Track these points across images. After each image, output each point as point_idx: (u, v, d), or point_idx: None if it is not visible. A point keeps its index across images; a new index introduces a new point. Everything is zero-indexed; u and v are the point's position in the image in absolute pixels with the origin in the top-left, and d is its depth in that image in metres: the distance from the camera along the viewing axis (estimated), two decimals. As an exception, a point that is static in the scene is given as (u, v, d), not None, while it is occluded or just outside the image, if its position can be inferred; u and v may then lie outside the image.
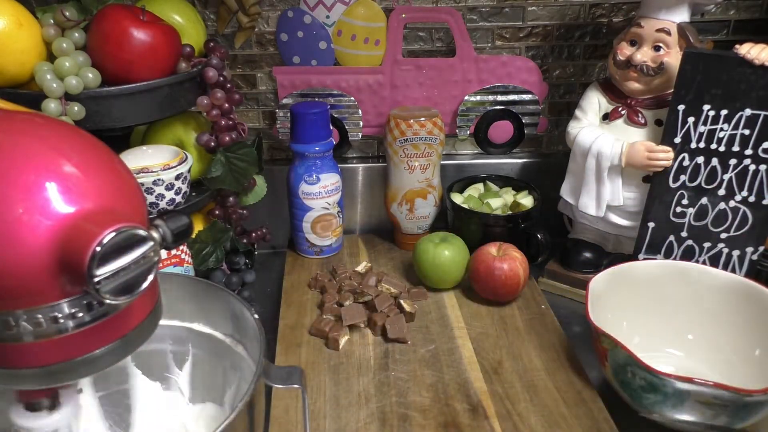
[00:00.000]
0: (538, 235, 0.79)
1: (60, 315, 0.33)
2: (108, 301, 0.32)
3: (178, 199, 0.69)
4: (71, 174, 0.34)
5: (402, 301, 0.75)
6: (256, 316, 0.47)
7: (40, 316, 0.33)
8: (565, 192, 0.82)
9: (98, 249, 0.31)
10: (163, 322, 0.53)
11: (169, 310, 0.54)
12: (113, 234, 0.31)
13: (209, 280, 0.73)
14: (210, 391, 0.54)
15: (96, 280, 0.31)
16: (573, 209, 0.82)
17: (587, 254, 0.83)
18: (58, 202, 0.32)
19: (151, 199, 0.67)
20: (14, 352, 0.34)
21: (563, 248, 0.85)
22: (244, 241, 0.80)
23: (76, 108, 0.59)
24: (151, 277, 0.34)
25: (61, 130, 0.36)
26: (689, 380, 0.54)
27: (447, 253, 0.78)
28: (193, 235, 0.72)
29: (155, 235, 0.35)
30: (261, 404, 0.45)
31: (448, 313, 0.77)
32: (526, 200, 0.84)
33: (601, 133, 0.76)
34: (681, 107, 0.70)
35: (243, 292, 0.73)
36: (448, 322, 0.75)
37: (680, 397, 0.56)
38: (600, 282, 0.68)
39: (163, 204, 0.68)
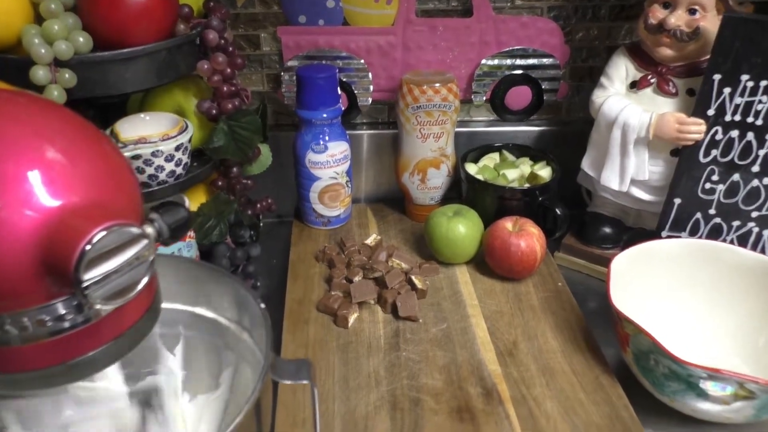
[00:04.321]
0: (556, 210, 0.76)
1: (47, 318, 0.30)
2: (99, 307, 0.29)
3: (179, 170, 0.65)
4: (56, 162, 0.30)
5: (413, 277, 0.72)
6: (263, 305, 0.44)
7: (26, 319, 0.30)
8: (587, 164, 0.78)
9: (86, 250, 0.27)
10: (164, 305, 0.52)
11: (169, 293, 0.51)
12: (103, 233, 0.28)
13: (213, 254, 0.71)
14: (208, 378, 0.52)
15: (84, 285, 0.28)
16: (594, 182, 0.78)
17: (606, 229, 0.79)
18: (42, 195, 0.29)
19: (150, 171, 0.63)
20: (1, 356, 0.31)
21: (581, 222, 0.81)
22: (249, 212, 0.77)
23: (66, 75, 0.55)
24: (146, 279, 0.31)
25: (46, 111, 0.32)
26: (716, 371, 0.52)
27: (461, 228, 0.74)
28: (195, 208, 0.69)
29: (150, 231, 0.31)
30: (268, 400, 0.43)
31: (461, 289, 0.74)
32: (544, 172, 0.80)
33: (628, 103, 0.71)
34: (717, 77, 0.65)
35: (248, 267, 0.70)
36: (461, 299, 0.73)
37: (706, 388, 0.53)
38: (622, 262, 0.65)
39: (162, 176, 0.64)
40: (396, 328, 0.68)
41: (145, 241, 0.30)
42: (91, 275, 0.28)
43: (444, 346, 0.66)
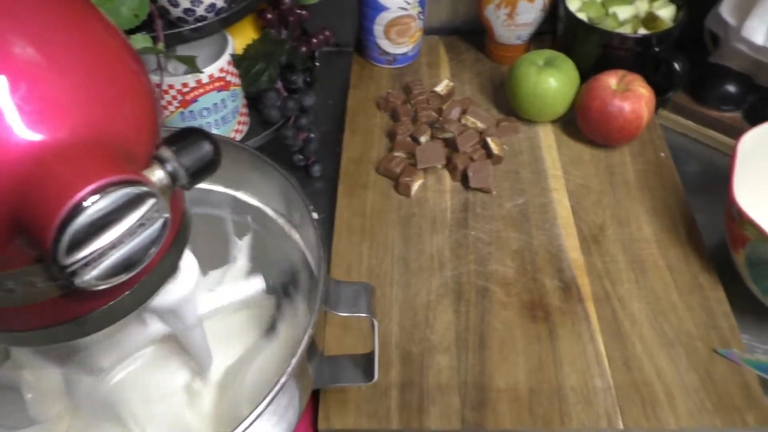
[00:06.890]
0: (674, 64, 0.62)
1: (38, 280, 0.24)
2: (93, 289, 0.22)
3: (220, 3, 0.54)
4: (32, 67, 0.21)
5: (489, 140, 0.62)
6: (315, 215, 0.37)
7: (10, 283, 0.24)
8: (726, 8, 0.61)
9: (72, 224, 0.20)
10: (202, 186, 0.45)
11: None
12: (95, 197, 0.20)
13: (262, 102, 0.62)
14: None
15: (69, 270, 0.20)
16: (728, 30, 0.62)
17: (730, 87, 0.65)
18: (15, 122, 0.20)
19: (185, 4, 0.52)
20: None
21: (699, 76, 0.67)
22: (303, 48, 0.65)
23: None
24: (155, 248, 0.23)
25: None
26: None
27: (553, 82, 0.62)
28: (240, 51, 0.58)
29: (160, 177, 0.23)
30: (321, 329, 0.37)
31: (544, 155, 0.64)
32: (666, 12, 0.64)
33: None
34: None
35: (300, 119, 0.61)
36: (543, 168, 0.63)
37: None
38: (752, 140, 0.53)
39: (200, 11, 0.53)
40: (465, 199, 0.60)
41: (151, 201, 0.21)
42: (76, 257, 0.20)
43: (519, 226, 0.58)
